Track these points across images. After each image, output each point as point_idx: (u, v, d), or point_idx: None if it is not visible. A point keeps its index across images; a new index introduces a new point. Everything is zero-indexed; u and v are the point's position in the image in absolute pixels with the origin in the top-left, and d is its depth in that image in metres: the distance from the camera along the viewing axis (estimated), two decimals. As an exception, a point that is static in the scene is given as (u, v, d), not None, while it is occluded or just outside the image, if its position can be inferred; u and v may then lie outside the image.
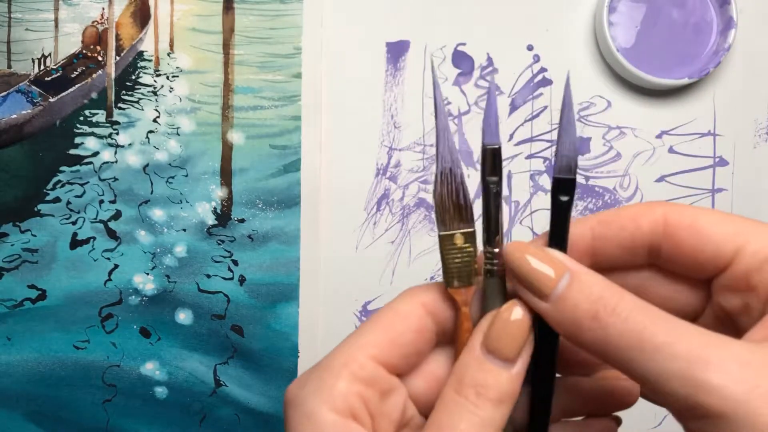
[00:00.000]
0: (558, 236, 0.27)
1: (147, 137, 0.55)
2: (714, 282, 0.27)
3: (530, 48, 0.56)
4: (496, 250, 0.27)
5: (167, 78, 0.55)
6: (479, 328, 0.26)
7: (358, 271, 0.55)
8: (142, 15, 0.55)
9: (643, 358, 0.23)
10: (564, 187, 0.27)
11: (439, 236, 0.28)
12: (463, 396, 0.25)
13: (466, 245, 0.27)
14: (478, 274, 0.28)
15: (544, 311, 0.25)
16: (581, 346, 0.25)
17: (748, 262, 0.25)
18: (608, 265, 0.28)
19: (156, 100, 0.55)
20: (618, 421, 0.31)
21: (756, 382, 0.21)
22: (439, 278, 0.57)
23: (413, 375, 0.28)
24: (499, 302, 0.27)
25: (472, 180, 0.55)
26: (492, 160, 0.27)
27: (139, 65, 0.55)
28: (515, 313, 0.26)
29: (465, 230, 0.27)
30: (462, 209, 0.27)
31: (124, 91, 0.55)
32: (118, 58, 0.55)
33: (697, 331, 0.23)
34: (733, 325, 0.27)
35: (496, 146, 0.27)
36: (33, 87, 0.55)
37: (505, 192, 0.55)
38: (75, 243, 0.55)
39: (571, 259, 0.26)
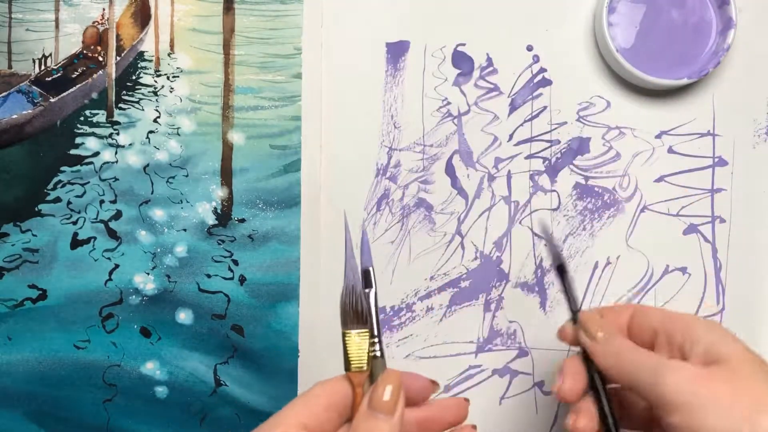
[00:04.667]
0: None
1: (147, 137, 0.55)
2: None
3: (530, 48, 0.56)
4: (376, 340, 0.38)
5: (168, 78, 0.55)
6: (366, 394, 0.37)
7: (358, 271, 0.55)
8: (142, 15, 0.55)
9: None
10: None
11: (342, 333, 0.38)
12: None
13: (362, 340, 0.38)
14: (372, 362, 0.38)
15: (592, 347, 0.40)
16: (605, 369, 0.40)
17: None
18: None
19: (156, 100, 0.55)
20: None
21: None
22: (439, 277, 0.57)
23: None
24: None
25: (473, 179, 0.55)
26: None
27: (139, 65, 0.55)
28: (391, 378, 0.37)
29: (361, 330, 0.38)
30: (359, 315, 0.38)
31: (124, 92, 0.55)
32: (118, 58, 0.55)
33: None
34: None
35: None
36: (33, 87, 0.55)
37: (504, 192, 0.56)
38: (75, 243, 0.55)
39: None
